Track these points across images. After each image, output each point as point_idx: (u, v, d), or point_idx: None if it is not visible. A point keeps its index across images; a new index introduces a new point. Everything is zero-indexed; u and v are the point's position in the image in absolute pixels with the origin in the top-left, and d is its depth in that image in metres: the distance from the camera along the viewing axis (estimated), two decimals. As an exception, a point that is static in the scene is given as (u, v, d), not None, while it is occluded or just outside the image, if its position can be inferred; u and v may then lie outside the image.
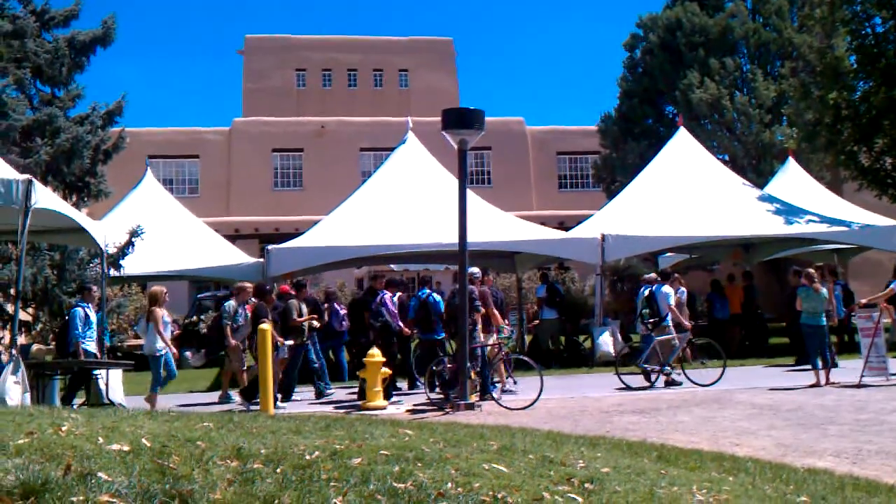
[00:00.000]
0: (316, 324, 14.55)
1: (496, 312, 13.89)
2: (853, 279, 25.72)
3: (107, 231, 14.51)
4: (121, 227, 16.80)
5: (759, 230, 19.30)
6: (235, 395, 13.84)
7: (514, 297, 24.84)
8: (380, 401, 12.56)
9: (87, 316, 13.20)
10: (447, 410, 11.76)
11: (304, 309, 14.43)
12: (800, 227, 19.14)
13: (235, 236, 30.81)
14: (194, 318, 25.20)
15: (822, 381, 13.51)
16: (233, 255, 21.01)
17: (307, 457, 4.87)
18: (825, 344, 13.96)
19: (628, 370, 14.90)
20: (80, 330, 12.96)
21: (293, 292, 14.87)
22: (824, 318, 14.05)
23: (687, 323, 14.92)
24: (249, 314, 13.86)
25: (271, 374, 12.05)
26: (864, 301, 14.90)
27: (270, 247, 17.48)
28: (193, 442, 5.06)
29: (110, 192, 20.00)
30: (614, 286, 17.93)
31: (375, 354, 12.79)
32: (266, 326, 12.36)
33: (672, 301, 15.05)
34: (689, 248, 21.90)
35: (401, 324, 14.71)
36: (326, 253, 17.60)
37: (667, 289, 15.11)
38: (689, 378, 14.28)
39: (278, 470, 4.47)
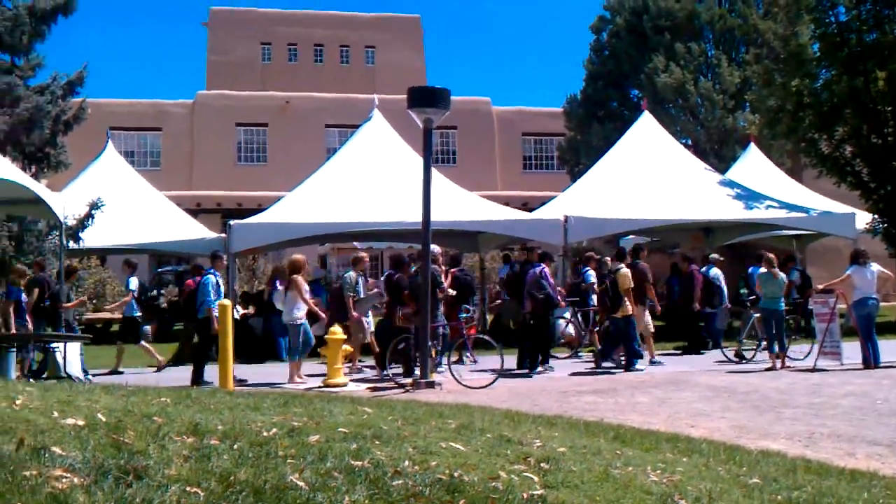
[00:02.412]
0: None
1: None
2: (811, 265, 26.09)
3: (66, 203, 14.34)
4: (81, 199, 16.60)
5: (719, 214, 19.49)
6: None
7: (477, 277, 24.90)
8: (340, 378, 12.56)
9: (218, 284, 13.52)
10: (408, 388, 11.79)
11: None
12: (759, 213, 19.36)
13: (197, 210, 30.53)
14: (154, 292, 24.96)
15: (778, 365, 13.72)
16: (194, 230, 20.83)
17: (264, 433, 4.86)
18: (782, 328, 14.16)
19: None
20: (212, 297, 13.18)
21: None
22: (782, 303, 14.25)
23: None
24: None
25: (231, 349, 12.00)
26: (820, 287, 15.13)
27: (233, 222, 17.35)
28: (150, 417, 5.03)
29: (70, 164, 19.77)
30: (576, 268, 18.03)
31: (336, 332, 12.77)
32: (226, 301, 12.31)
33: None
34: (651, 231, 22.07)
35: (559, 297, 14.60)
36: (289, 229, 17.50)
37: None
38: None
39: (235, 446, 4.46)
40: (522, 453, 5.22)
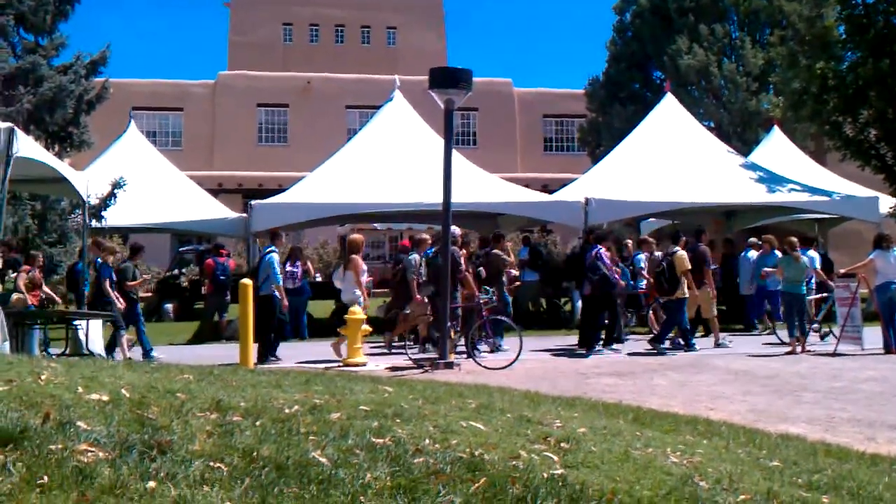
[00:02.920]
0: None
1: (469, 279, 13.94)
2: (833, 249, 25.89)
3: (89, 182, 14.41)
4: (103, 179, 16.69)
5: (741, 198, 19.37)
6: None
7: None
8: (360, 357, 12.60)
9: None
10: (426, 369, 11.83)
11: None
12: (782, 196, 19.22)
13: (218, 191, 30.65)
14: (175, 271, 25.13)
15: (799, 349, 13.65)
16: (215, 210, 20.93)
17: (286, 410, 4.90)
18: (804, 312, 14.09)
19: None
20: (278, 274, 13.34)
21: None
22: (804, 287, 14.19)
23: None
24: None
25: (252, 328, 12.07)
26: (842, 271, 15.02)
27: (254, 202, 17.42)
28: (173, 393, 5.08)
29: (93, 143, 19.88)
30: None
31: (356, 311, 12.80)
32: (248, 281, 12.37)
33: (818, 265, 15.84)
34: (672, 213, 21.96)
35: (616, 277, 14.54)
36: (310, 210, 17.56)
37: (812, 253, 15.90)
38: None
39: (257, 423, 4.50)
40: (542, 433, 5.24)
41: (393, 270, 15.37)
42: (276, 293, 13.22)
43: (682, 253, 14.27)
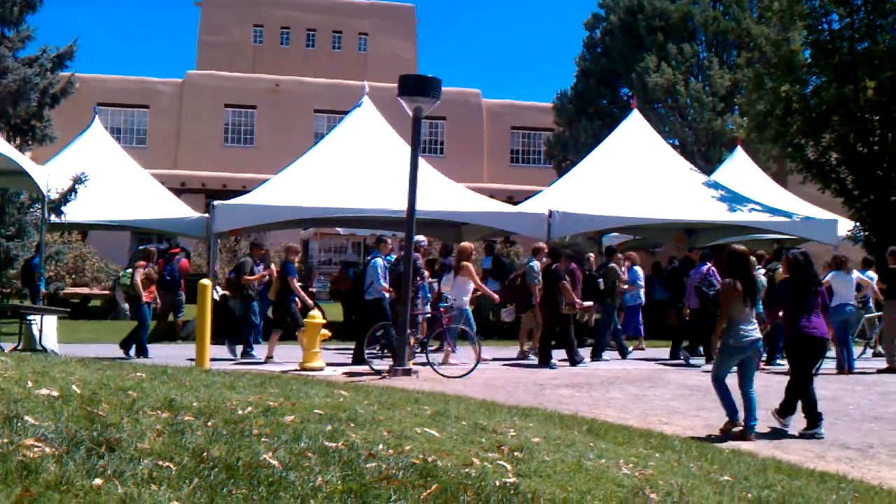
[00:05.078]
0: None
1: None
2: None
3: (50, 176, 14.25)
4: (65, 174, 16.48)
5: (702, 216, 19.54)
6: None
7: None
8: (317, 362, 12.56)
9: (385, 267, 13.81)
10: (384, 375, 11.80)
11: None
12: (742, 216, 19.44)
13: (182, 190, 30.39)
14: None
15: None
16: (178, 209, 20.74)
17: (239, 412, 4.87)
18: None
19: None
20: (382, 280, 13.50)
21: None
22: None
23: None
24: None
25: (209, 328, 11.97)
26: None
27: (216, 202, 17.26)
28: (125, 391, 5.02)
29: (56, 138, 19.63)
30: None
31: (315, 316, 12.77)
32: (207, 282, 12.27)
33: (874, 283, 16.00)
34: (634, 229, 22.13)
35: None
36: (273, 212, 17.43)
37: (871, 273, 16.18)
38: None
39: (209, 423, 4.46)
40: (496, 441, 5.24)
41: (514, 276, 15.86)
42: (385, 295, 13.51)
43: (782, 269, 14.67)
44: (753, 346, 8.58)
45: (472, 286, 14.01)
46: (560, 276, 14.13)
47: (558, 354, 14.12)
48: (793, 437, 8.56)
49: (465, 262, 13.99)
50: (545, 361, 13.93)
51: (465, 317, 13.88)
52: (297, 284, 13.96)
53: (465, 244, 14.83)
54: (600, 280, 15.41)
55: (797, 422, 8.90)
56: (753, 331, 8.54)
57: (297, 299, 13.81)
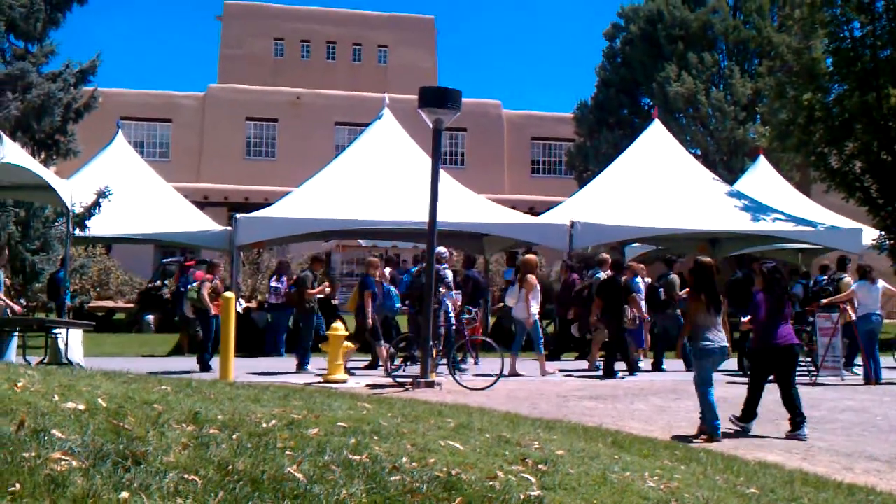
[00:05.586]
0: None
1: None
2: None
3: (74, 190, 14.36)
4: (89, 188, 16.60)
5: (725, 225, 19.45)
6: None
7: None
8: (341, 374, 12.57)
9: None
10: (407, 387, 11.80)
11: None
12: (766, 225, 19.32)
13: (204, 203, 30.53)
14: (157, 282, 25.01)
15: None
16: (200, 222, 20.84)
17: (264, 425, 4.88)
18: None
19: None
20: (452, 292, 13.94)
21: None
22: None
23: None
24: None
25: (232, 341, 12.01)
26: (824, 301, 15.08)
27: (239, 215, 17.35)
28: (150, 404, 5.05)
29: (79, 152, 19.81)
30: (581, 273, 18.11)
31: (338, 328, 12.79)
32: (230, 294, 12.32)
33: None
34: (656, 239, 22.03)
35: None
36: (295, 224, 17.51)
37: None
38: None
39: (234, 436, 4.47)
40: (520, 454, 5.23)
41: (581, 285, 16.18)
42: (449, 305, 13.72)
43: (848, 279, 15.06)
44: (722, 352, 9.12)
45: (537, 299, 14.07)
46: (633, 289, 14.52)
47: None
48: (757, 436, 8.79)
49: (529, 276, 14.08)
50: (610, 373, 13.99)
51: (535, 329, 14.00)
52: (371, 298, 13.57)
53: (530, 257, 15.06)
54: (661, 290, 15.68)
55: (783, 425, 9.02)
56: (719, 337, 9.02)
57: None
